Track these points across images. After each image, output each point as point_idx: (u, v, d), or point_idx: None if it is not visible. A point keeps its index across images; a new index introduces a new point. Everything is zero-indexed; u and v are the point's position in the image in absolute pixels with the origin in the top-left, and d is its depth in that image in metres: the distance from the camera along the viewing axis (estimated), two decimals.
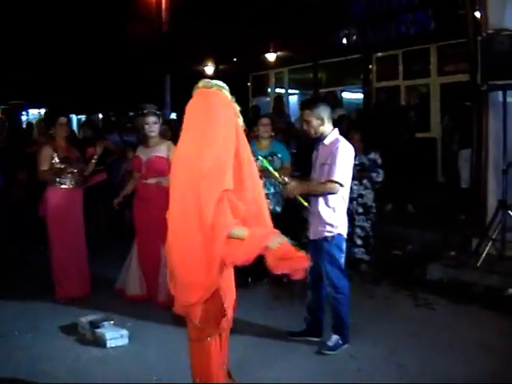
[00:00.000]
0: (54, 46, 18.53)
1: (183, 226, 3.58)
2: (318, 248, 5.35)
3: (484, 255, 7.42)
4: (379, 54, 12.80)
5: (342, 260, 5.39)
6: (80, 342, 5.57)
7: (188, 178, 3.58)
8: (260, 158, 5.55)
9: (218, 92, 3.75)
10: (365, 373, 4.82)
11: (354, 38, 12.23)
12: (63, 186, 6.80)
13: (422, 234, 8.92)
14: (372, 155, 8.18)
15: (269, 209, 6.70)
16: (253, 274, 7.38)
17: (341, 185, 5.19)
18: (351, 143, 7.90)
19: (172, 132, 9.28)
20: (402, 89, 12.43)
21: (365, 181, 8.14)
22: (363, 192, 8.15)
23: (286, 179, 5.30)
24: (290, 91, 15.19)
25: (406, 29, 11.29)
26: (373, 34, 11.88)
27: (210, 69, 15.70)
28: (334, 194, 5.22)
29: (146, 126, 6.52)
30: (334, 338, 5.32)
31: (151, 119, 6.53)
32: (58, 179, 6.76)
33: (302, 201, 5.24)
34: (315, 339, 5.48)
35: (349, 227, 7.95)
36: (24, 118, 23.55)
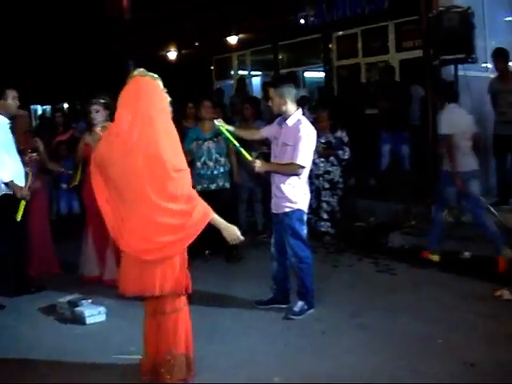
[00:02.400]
0: (18, 36, 18.46)
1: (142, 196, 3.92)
2: (280, 221, 5.67)
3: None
4: (339, 33, 13.02)
5: (304, 232, 5.68)
6: (60, 320, 5.83)
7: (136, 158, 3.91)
8: (219, 125, 5.85)
9: (151, 80, 4.11)
10: (329, 334, 5.14)
11: (312, 18, 12.45)
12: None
13: (385, 205, 9.26)
14: (338, 133, 8.51)
15: (220, 185, 7.15)
16: (210, 246, 7.74)
17: (303, 167, 5.51)
18: (319, 121, 8.37)
19: None
20: (362, 66, 12.69)
21: (331, 158, 8.47)
22: (330, 168, 8.50)
23: (249, 157, 5.65)
24: (252, 73, 15.36)
25: (362, 8, 11.52)
26: (329, 14, 12.11)
27: (172, 54, 15.81)
28: (296, 175, 5.53)
29: (90, 115, 6.80)
30: (300, 303, 5.65)
31: (93, 107, 6.77)
32: None
33: (246, 155, 5.63)
34: (282, 306, 5.80)
35: (315, 202, 8.41)
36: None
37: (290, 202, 5.59)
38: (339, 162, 8.49)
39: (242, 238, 4.27)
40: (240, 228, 8.41)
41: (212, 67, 16.10)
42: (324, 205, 8.51)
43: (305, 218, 5.72)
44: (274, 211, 5.79)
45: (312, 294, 5.72)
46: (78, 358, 4.84)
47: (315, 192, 8.46)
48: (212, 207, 7.21)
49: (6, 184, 6.13)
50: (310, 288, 5.70)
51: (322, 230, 8.51)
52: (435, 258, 7.10)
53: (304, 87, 13.63)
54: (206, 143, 7.78)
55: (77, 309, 5.79)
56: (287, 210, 5.61)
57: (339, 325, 5.35)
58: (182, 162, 4.05)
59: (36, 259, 7.09)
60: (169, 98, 4.18)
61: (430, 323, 5.25)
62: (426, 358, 4.53)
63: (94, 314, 5.71)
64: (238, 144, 5.74)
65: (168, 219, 3.94)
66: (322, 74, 13.60)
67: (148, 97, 4.04)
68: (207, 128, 7.72)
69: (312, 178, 8.35)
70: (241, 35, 14.06)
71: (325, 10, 12.11)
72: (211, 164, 7.77)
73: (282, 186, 5.60)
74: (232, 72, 15.82)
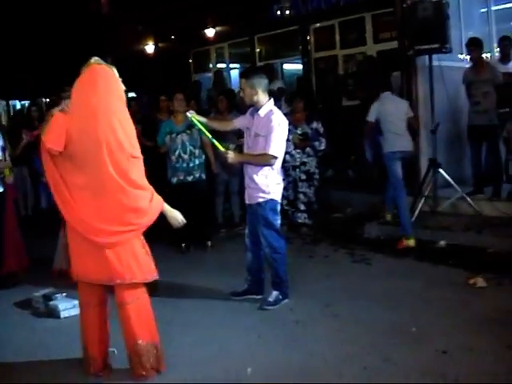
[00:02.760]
0: None
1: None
2: (253, 212, 5.66)
3: (417, 212, 7.86)
4: (316, 25, 13.03)
5: (278, 222, 5.68)
6: (35, 315, 5.81)
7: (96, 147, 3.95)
8: (191, 117, 5.85)
9: (108, 68, 4.15)
10: (302, 323, 5.14)
11: (287, 11, 12.47)
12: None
13: (362, 197, 9.30)
14: (314, 124, 8.51)
15: (197, 177, 7.14)
16: (186, 239, 7.84)
17: (275, 157, 5.49)
18: (295, 112, 8.37)
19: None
20: (340, 58, 12.71)
21: (308, 149, 8.46)
22: (306, 160, 8.49)
23: (222, 148, 5.64)
24: (231, 66, 15.35)
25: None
26: (304, 6, 12.14)
27: (150, 48, 15.73)
28: (269, 165, 5.51)
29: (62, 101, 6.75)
30: (274, 293, 5.64)
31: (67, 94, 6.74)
32: None
33: (219, 146, 5.63)
34: (257, 297, 5.80)
35: (292, 194, 8.42)
36: None
37: (263, 192, 5.58)
38: (315, 153, 8.48)
39: (183, 221, 4.37)
40: (216, 220, 8.56)
41: (190, 60, 16.04)
42: (301, 196, 8.51)
43: (278, 208, 5.71)
44: (247, 202, 5.78)
45: (286, 284, 5.71)
46: (50, 353, 4.79)
47: (292, 183, 8.49)
48: (189, 199, 7.34)
49: None
50: (284, 278, 5.69)
51: (299, 221, 8.52)
52: (411, 242, 7.30)
53: (282, 79, 13.60)
54: (179, 136, 7.77)
55: (51, 303, 5.76)
56: (260, 200, 5.60)
57: (313, 314, 5.34)
58: (137, 150, 4.10)
59: (6, 255, 6.99)
60: (124, 87, 4.20)
61: (403, 312, 5.26)
62: (398, 346, 4.53)
63: (68, 307, 5.66)
64: (210, 135, 5.72)
65: (134, 203, 4.01)
66: (300, 66, 13.61)
67: (106, 84, 4.07)
68: (180, 121, 7.71)
69: (289, 169, 8.40)
70: (218, 28, 14.03)
71: (300, 1, 12.11)
72: (186, 157, 7.75)
73: (254, 176, 5.58)
74: (210, 65, 15.78)
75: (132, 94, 15.82)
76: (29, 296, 6.04)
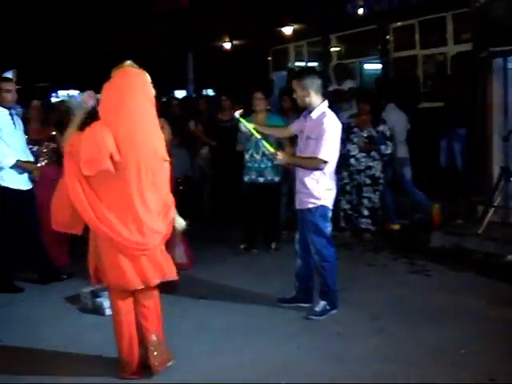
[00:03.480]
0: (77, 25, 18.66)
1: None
2: (303, 218, 5.49)
3: (486, 222, 7.44)
4: (397, 24, 12.72)
5: (328, 229, 5.47)
6: (82, 310, 5.84)
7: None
8: (238, 117, 5.77)
9: (141, 72, 4.14)
10: (345, 337, 4.93)
11: (364, 10, 12.20)
12: (39, 165, 7.02)
13: (433, 203, 8.92)
14: (381, 127, 8.21)
15: (269, 179, 7.08)
16: (247, 241, 7.78)
17: (325, 162, 5.29)
18: (360, 115, 8.14)
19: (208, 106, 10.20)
20: (420, 58, 12.35)
21: (373, 153, 8.19)
22: (371, 164, 8.21)
23: (272, 149, 5.50)
24: (309, 64, 15.17)
25: None
26: (379, 4, 11.85)
27: (227, 44, 15.76)
28: (318, 170, 5.32)
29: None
30: (322, 303, 5.44)
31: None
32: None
33: (268, 147, 5.51)
34: (305, 305, 5.61)
35: (356, 198, 8.18)
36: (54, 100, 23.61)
37: (314, 197, 5.38)
38: (381, 156, 8.19)
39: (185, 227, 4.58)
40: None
41: (269, 58, 15.98)
42: (365, 201, 8.23)
43: (329, 214, 5.50)
44: (298, 207, 5.60)
45: (335, 294, 5.51)
46: (88, 349, 4.80)
47: (356, 188, 8.25)
48: (259, 200, 7.23)
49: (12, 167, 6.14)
50: (332, 287, 5.49)
51: (363, 226, 8.25)
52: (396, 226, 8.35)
53: (361, 79, 13.34)
54: (254, 136, 7.62)
55: (97, 299, 5.76)
56: (311, 206, 5.40)
57: (358, 328, 5.12)
58: (166, 153, 4.20)
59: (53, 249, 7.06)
60: (154, 92, 4.19)
61: (455, 331, 4.94)
62: (441, 369, 4.26)
63: None
64: (260, 135, 5.60)
65: (164, 206, 4.21)
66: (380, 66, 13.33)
67: (142, 88, 4.08)
68: (260, 119, 7.51)
69: (353, 173, 8.16)
70: (296, 26, 13.88)
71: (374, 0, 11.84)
72: (258, 157, 7.60)
73: (305, 180, 5.39)
74: (289, 63, 15.66)
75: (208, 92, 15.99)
76: (79, 291, 6.06)
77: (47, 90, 20.09)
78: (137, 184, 3.99)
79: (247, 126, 5.68)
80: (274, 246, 7.81)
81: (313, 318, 5.36)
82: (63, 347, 4.89)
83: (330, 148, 5.27)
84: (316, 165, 5.30)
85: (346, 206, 8.30)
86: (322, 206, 5.41)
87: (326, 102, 5.48)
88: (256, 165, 7.63)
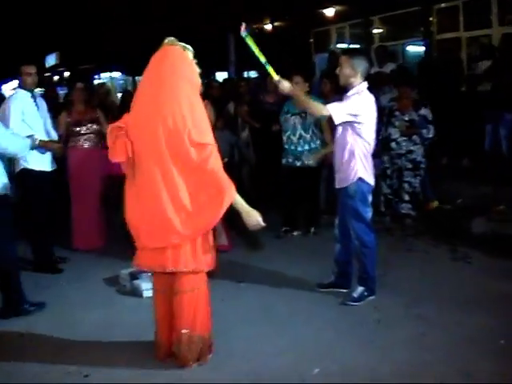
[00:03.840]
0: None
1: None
2: (343, 200, 5.43)
3: None
4: (440, 6, 12.48)
5: (368, 214, 5.40)
6: (120, 292, 5.90)
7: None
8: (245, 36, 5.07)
9: (180, 50, 4.02)
10: (384, 324, 4.88)
11: None
12: (80, 147, 7.23)
13: (475, 188, 8.77)
14: (422, 111, 8.06)
15: (305, 162, 6.98)
16: (287, 224, 7.77)
17: (328, 114, 5.20)
18: (401, 98, 8.00)
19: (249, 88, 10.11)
20: (463, 40, 12.10)
21: (414, 137, 8.06)
22: (412, 148, 8.08)
23: (276, 76, 5.17)
24: (351, 46, 14.99)
25: None
26: None
27: (268, 26, 15.65)
28: (316, 116, 5.46)
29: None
30: (360, 289, 5.40)
31: None
32: (73, 142, 7.25)
33: (272, 72, 5.13)
34: (343, 291, 5.59)
35: (397, 183, 8.08)
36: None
37: (353, 175, 5.29)
38: (422, 141, 8.05)
39: (262, 224, 4.19)
40: (319, 206, 8.21)
41: (311, 39, 15.82)
42: (406, 185, 8.11)
43: (370, 199, 5.43)
44: (337, 186, 5.52)
45: (374, 280, 5.45)
46: (124, 332, 4.86)
47: (397, 172, 8.14)
48: (297, 183, 7.17)
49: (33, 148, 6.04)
50: (371, 273, 5.43)
51: (403, 211, 8.13)
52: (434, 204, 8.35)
53: (403, 61, 13.13)
54: (292, 117, 7.54)
55: (135, 281, 5.81)
56: (350, 183, 5.31)
57: (397, 314, 5.05)
58: (204, 136, 3.93)
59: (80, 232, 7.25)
60: (199, 70, 4.05)
61: (495, 320, 4.83)
62: (480, 358, 4.18)
63: (150, 287, 5.68)
64: (265, 60, 5.11)
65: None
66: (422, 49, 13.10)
67: (173, 65, 3.95)
68: None
69: (394, 157, 8.06)
70: (338, 7, 13.70)
71: None
72: (295, 140, 7.53)
73: (344, 160, 5.32)
74: (331, 45, 15.50)
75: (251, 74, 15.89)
76: (119, 272, 6.11)
77: (90, 71, 20.31)
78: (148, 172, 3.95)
79: (251, 45, 5.07)
80: (312, 230, 7.78)
81: (350, 304, 5.32)
82: (102, 329, 4.96)
83: (343, 110, 5.16)
84: (319, 110, 5.26)
85: (387, 191, 8.20)
86: (361, 182, 5.30)
87: (366, 84, 5.37)
88: (293, 147, 7.56)
